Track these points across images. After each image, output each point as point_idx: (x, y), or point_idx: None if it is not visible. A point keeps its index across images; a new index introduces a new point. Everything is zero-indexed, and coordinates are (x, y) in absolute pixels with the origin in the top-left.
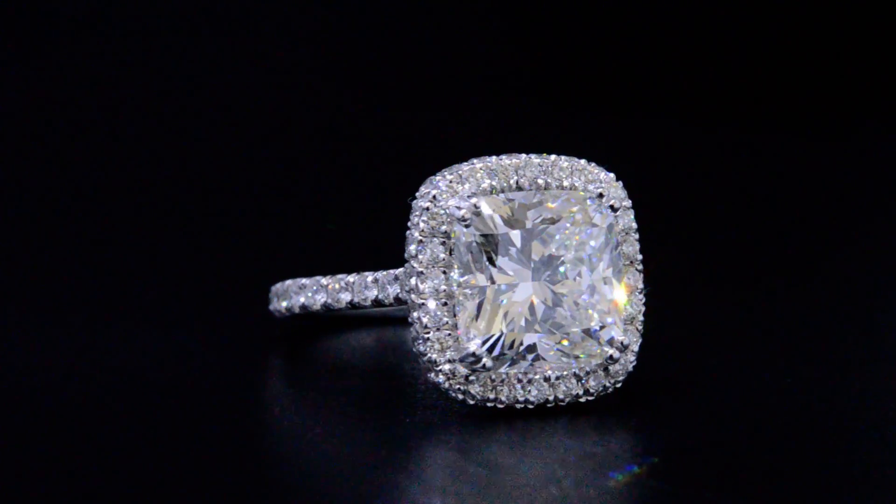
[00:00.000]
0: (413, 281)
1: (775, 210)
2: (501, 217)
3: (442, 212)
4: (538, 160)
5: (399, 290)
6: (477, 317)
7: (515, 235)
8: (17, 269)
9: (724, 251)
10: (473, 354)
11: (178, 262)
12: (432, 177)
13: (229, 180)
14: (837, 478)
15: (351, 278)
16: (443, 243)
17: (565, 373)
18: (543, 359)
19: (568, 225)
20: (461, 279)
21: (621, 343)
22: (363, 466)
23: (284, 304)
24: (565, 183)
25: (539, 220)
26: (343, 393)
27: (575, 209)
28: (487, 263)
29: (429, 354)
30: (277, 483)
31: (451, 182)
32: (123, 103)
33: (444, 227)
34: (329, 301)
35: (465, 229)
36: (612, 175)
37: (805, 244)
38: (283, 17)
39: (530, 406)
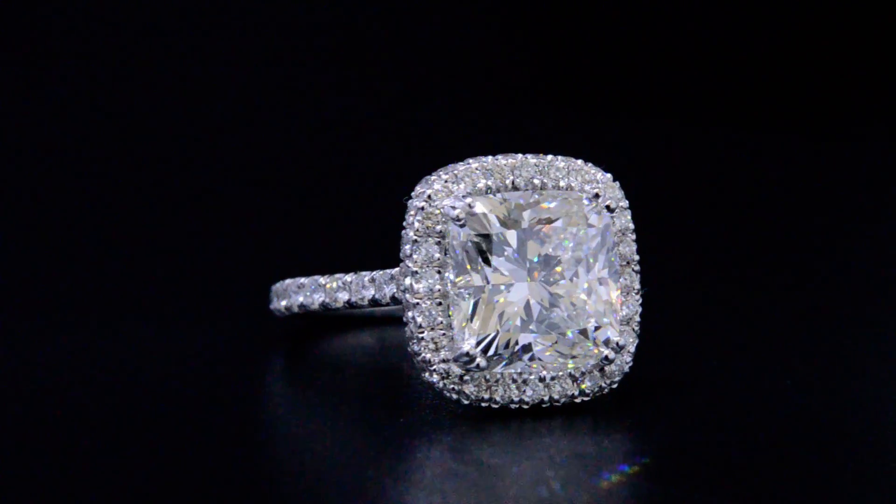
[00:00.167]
0: (408, 281)
1: (773, 210)
2: (497, 217)
3: (437, 211)
4: (534, 160)
5: (395, 290)
6: (472, 317)
7: (511, 235)
8: (17, 268)
9: (722, 252)
10: (467, 354)
11: (179, 261)
12: (428, 176)
13: (229, 180)
14: (832, 480)
15: (348, 278)
16: (438, 243)
17: (560, 373)
18: (539, 359)
19: (564, 225)
20: (456, 279)
21: (617, 343)
22: (353, 466)
23: (284, 303)
24: (562, 183)
25: (535, 220)
26: (341, 392)
27: (571, 209)
28: (482, 263)
29: (423, 354)
30: (270, 482)
31: (446, 182)
32: (123, 103)
33: (439, 227)
34: (327, 300)
35: (459, 229)
36: (609, 175)
37: (803, 245)
38: (283, 17)
39: (525, 406)
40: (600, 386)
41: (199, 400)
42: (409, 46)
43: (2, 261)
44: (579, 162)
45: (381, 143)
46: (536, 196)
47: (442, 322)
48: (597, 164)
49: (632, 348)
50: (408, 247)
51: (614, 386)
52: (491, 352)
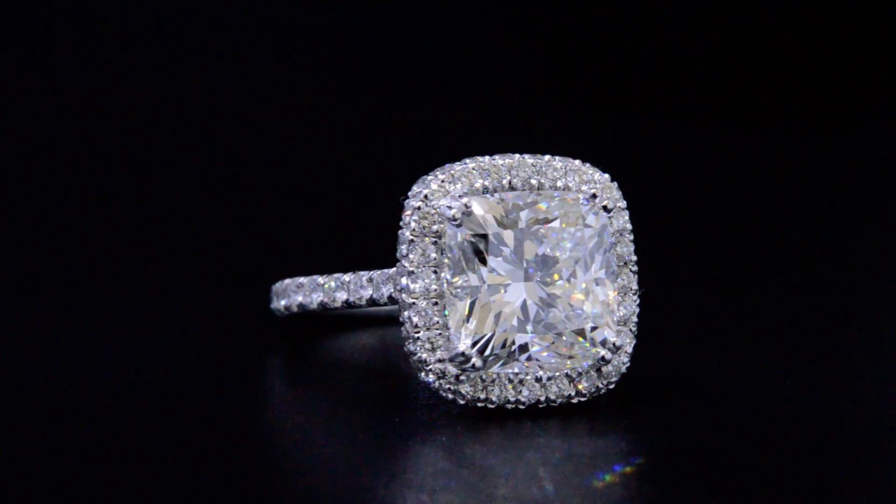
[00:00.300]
0: (404, 280)
1: (771, 211)
2: (494, 217)
3: (433, 211)
4: (532, 160)
5: (392, 290)
6: (468, 317)
7: (508, 235)
8: (17, 268)
9: (720, 252)
10: (463, 354)
11: (180, 261)
12: (425, 176)
13: (230, 180)
14: (829, 484)
15: (347, 277)
16: (434, 243)
17: (557, 373)
18: (535, 359)
19: (561, 225)
20: (453, 279)
21: (613, 344)
22: (347, 466)
23: (283, 302)
24: (559, 183)
25: (532, 220)
26: (340, 392)
27: (568, 210)
28: (479, 263)
29: (419, 354)
30: (268, 482)
31: (442, 182)
32: (123, 103)
33: (435, 227)
34: (325, 300)
35: (456, 229)
36: (606, 176)
37: (801, 245)
38: (282, 16)
39: (521, 406)
40: (597, 386)
41: (199, 400)
42: (407, 46)
43: (2, 261)
44: (577, 162)
45: (382, 143)
46: (533, 196)
47: (438, 322)
48: (595, 164)
49: (629, 349)
50: (404, 247)
51: (611, 386)
52: (487, 352)
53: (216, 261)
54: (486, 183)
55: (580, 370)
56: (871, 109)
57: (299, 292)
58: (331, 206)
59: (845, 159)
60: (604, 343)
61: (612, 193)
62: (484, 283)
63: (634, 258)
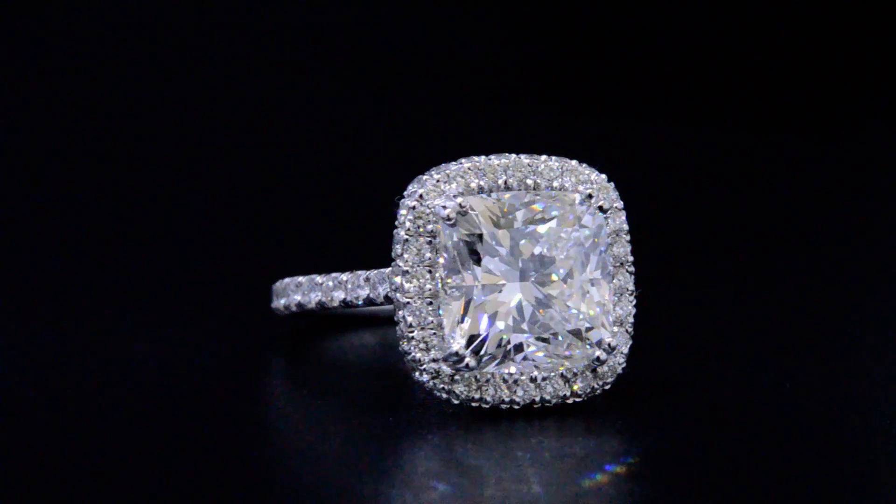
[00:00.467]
0: (398, 280)
1: (768, 212)
2: (490, 217)
3: (428, 211)
4: (528, 160)
5: (388, 289)
6: (462, 317)
7: (503, 235)
8: (18, 268)
9: (717, 253)
10: (456, 354)
11: (180, 261)
12: (420, 175)
13: (230, 180)
14: (825, 484)
15: (344, 277)
16: (429, 242)
17: (552, 374)
18: (531, 359)
19: (557, 226)
20: (447, 279)
21: (609, 345)
22: (342, 465)
23: (283, 301)
24: (555, 184)
25: (528, 220)
26: (339, 392)
27: (564, 210)
28: (474, 263)
29: (413, 353)
30: (266, 481)
31: (438, 181)
32: (124, 102)
33: (430, 227)
34: (323, 299)
35: (450, 229)
36: (603, 176)
37: (799, 246)
38: (282, 16)
39: (516, 407)
40: (592, 387)
41: (200, 399)
42: (404, 47)
43: (2, 261)
44: (573, 162)
45: (380, 143)
46: (529, 196)
47: (432, 321)
48: (592, 164)
49: (625, 349)
50: (399, 246)
51: (607, 387)
52: (481, 352)
53: (217, 260)
54: (482, 183)
55: (575, 371)
56: (871, 109)
57: (298, 291)
58: (331, 206)
59: (844, 159)
60: (599, 344)
61: (608, 194)
62: (479, 282)
63: (631, 259)
